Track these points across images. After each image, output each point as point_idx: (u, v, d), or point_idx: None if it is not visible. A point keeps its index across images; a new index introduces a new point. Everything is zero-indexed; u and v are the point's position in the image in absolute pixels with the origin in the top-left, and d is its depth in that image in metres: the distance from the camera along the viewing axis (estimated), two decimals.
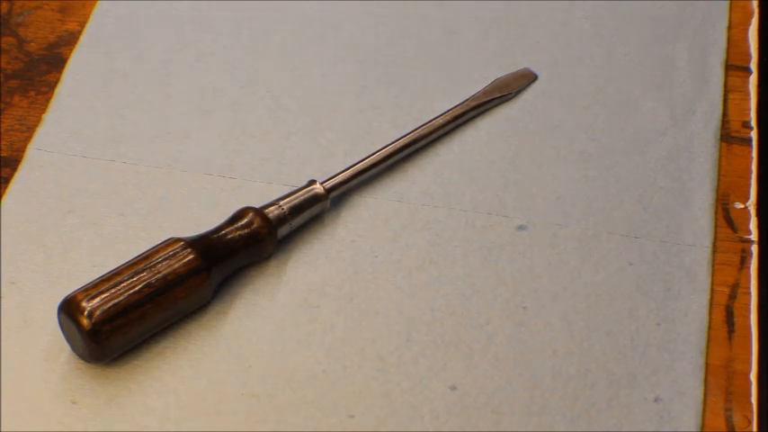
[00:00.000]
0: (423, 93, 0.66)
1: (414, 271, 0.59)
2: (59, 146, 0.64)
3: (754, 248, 0.60)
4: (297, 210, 0.59)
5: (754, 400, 0.55)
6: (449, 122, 0.64)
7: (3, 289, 0.58)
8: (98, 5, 0.70)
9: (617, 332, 0.57)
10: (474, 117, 0.65)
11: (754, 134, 0.65)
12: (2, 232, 0.60)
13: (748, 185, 0.62)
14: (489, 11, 0.70)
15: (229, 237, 0.57)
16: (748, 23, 0.69)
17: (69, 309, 0.53)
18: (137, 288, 0.54)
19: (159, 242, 0.57)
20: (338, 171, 0.61)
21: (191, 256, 0.55)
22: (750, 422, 0.54)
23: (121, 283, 0.54)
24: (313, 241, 0.60)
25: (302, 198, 0.59)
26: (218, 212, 0.60)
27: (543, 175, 0.63)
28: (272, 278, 0.59)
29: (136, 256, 0.56)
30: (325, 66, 0.67)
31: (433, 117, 0.64)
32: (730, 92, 0.66)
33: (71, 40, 0.69)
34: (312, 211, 0.60)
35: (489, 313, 0.58)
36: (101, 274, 0.55)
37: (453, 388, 0.55)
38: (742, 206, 0.62)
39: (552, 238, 0.60)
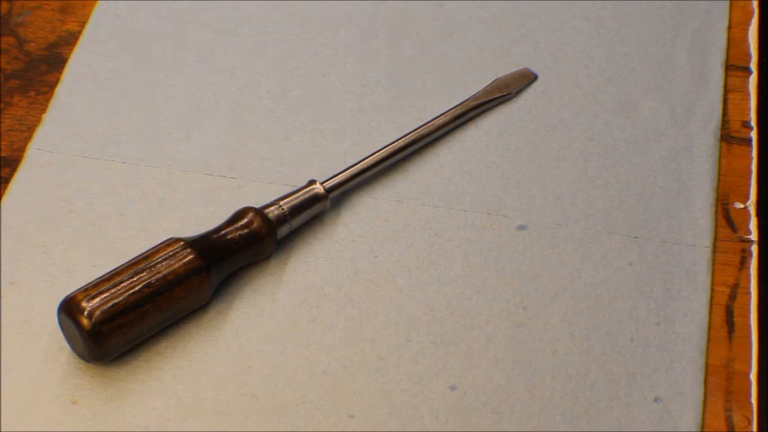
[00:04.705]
0: (423, 93, 0.66)
1: (414, 271, 0.59)
2: (59, 146, 0.64)
3: (754, 248, 0.60)
4: (297, 210, 0.59)
5: (754, 400, 0.55)
6: (449, 122, 0.64)
7: (3, 289, 0.58)
8: (98, 5, 0.70)
9: (617, 332, 0.57)
10: (474, 117, 0.65)
11: (754, 134, 0.65)
12: (2, 232, 0.60)
13: (748, 185, 0.62)
14: (489, 11, 0.70)
15: (229, 237, 0.57)
16: (748, 23, 0.69)
17: (69, 309, 0.53)
18: (136, 288, 0.54)
19: (159, 242, 0.57)
20: (338, 171, 0.61)
21: (190, 257, 0.55)
22: (750, 422, 0.54)
23: (121, 283, 0.54)
24: (313, 241, 0.60)
25: (302, 198, 0.59)
26: (218, 212, 0.60)
27: (543, 175, 0.63)
28: (272, 278, 0.59)
29: (136, 256, 0.56)
30: (325, 66, 0.67)
31: (433, 117, 0.64)
32: (730, 92, 0.66)
33: (71, 40, 0.69)
34: (312, 211, 0.60)
35: (489, 313, 0.58)
36: (101, 274, 0.55)
37: (453, 388, 0.55)
38: (742, 206, 0.62)
39: (552, 238, 0.60)
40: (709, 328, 0.57)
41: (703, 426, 0.54)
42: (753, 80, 0.67)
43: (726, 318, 0.58)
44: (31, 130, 0.64)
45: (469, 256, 0.60)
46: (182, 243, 0.56)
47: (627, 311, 0.58)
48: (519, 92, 0.66)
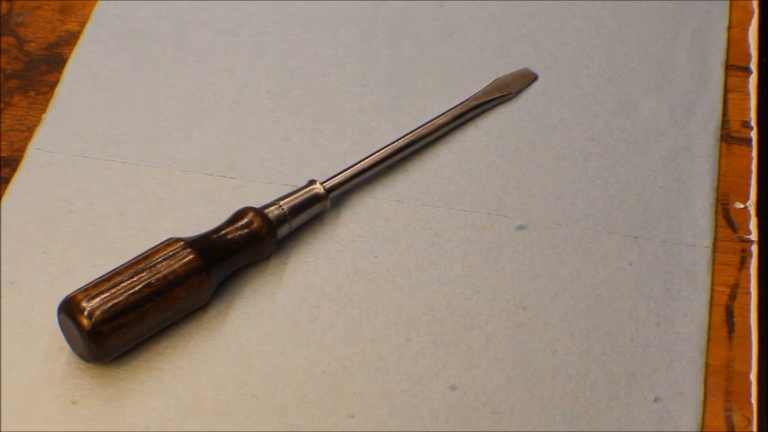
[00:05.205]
0: (423, 93, 0.66)
1: (414, 271, 0.59)
2: (59, 146, 0.64)
3: (754, 248, 0.60)
4: (297, 210, 0.59)
5: (754, 400, 0.55)
6: (449, 122, 0.64)
7: (3, 289, 0.58)
8: (98, 5, 0.70)
9: (617, 332, 0.57)
10: (474, 117, 0.65)
11: (754, 134, 0.65)
12: (2, 232, 0.60)
13: (748, 185, 0.62)
14: (489, 11, 0.70)
15: (229, 237, 0.57)
16: (748, 23, 0.69)
17: (69, 309, 0.53)
18: (137, 288, 0.54)
19: (159, 242, 0.57)
20: (338, 171, 0.61)
21: (190, 257, 0.55)
22: (750, 422, 0.54)
23: (121, 283, 0.54)
24: (313, 241, 0.60)
25: (302, 198, 0.59)
26: (219, 212, 0.60)
27: (543, 175, 0.63)
28: (272, 278, 0.59)
29: (136, 256, 0.56)
30: (325, 66, 0.67)
31: (433, 117, 0.64)
32: (730, 92, 0.66)
33: (71, 40, 0.69)
34: (312, 211, 0.60)
35: (489, 313, 0.58)
36: (101, 274, 0.55)
37: (453, 388, 0.55)
38: (742, 206, 0.62)
39: (552, 238, 0.60)
40: (710, 328, 0.57)
41: (703, 426, 0.54)
42: (753, 80, 0.67)
43: (726, 318, 0.58)
44: (31, 130, 0.64)
45: (469, 256, 0.60)
46: (182, 243, 0.56)
47: (627, 311, 0.58)
48: (519, 92, 0.66)
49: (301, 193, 0.60)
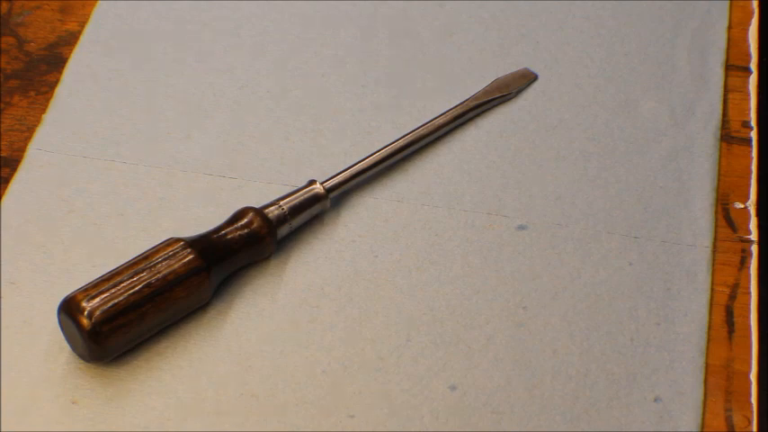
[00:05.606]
0: (423, 93, 0.66)
1: (414, 271, 0.59)
2: (59, 146, 0.64)
3: (754, 248, 0.60)
4: (297, 210, 0.59)
5: (754, 400, 0.55)
6: (449, 122, 0.64)
7: (3, 289, 0.58)
8: (98, 5, 0.70)
9: (617, 332, 0.57)
10: (474, 117, 0.65)
11: (754, 134, 0.65)
12: (2, 232, 0.60)
13: (748, 185, 0.62)
14: (489, 11, 0.70)
15: (229, 237, 0.57)
16: (748, 23, 0.69)
17: (69, 309, 0.53)
18: (136, 288, 0.54)
19: (159, 242, 0.57)
20: (338, 171, 0.61)
21: (190, 257, 0.55)
22: (750, 422, 0.54)
23: (121, 283, 0.54)
24: (313, 241, 0.60)
25: (302, 198, 0.59)
26: (219, 212, 0.60)
27: (543, 175, 0.63)
28: (272, 278, 0.59)
29: (136, 256, 0.56)
30: (325, 66, 0.67)
31: (433, 117, 0.64)
32: (730, 92, 0.66)
33: (71, 40, 0.69)
34: (312, 211, 0.60)
35: (489, 313, 0.58)
36: (101, 274, 0.55)
37: (453, 388, 0.55)
38: (742, 206, 0.62)
39: (552, 238, 0.60)
40: (710, 328, 0.57)
41: (703, 426, 0.54)
42: (753, 80, 0.67)
43: (726, 318, 0.58)
44: (31, 130, 0.64)
45: (469, 256, 0.60)
46: (182, 243, 0.56)
47: (627, 311, 0.58)
48: (519, 92, 0.66)
49: (301, 193, 0.60)
